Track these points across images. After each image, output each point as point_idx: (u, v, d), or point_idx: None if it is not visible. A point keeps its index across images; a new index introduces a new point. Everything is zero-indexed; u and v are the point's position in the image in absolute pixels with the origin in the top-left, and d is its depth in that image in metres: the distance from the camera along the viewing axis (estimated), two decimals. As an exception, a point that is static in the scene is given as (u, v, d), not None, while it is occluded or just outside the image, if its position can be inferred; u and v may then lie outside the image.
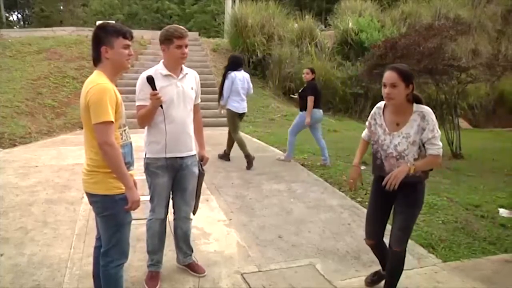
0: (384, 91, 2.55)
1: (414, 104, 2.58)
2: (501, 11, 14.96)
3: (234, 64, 6.43)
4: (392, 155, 2.62)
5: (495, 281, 3.24)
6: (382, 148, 2.68)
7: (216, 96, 11.05)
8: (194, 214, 3.19)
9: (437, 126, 2.54)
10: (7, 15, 31.59)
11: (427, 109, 2.56)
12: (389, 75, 2.53)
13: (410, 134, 2.55)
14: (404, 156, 2.58)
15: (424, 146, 2.57)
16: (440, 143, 2.55)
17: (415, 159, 2.57)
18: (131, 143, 2.46)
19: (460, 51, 9.49)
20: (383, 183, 2.55)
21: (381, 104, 2.75)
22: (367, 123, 2.86)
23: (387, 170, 2.65)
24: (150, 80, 2.69)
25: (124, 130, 2.39)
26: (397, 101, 2.54)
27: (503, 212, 4.59)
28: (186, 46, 2.85)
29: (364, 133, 2.93)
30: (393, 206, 2.80)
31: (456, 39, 8.16)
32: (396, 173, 2.52)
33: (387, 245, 2.85)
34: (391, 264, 2.83)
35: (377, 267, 3.32)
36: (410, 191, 2.65)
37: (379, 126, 2.71)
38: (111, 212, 2.32)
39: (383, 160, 2.69)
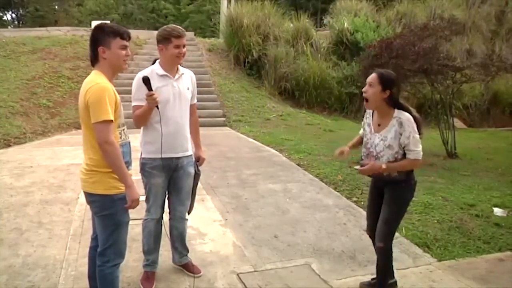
0: (363, 89, 2.74)
1: (396, 110, 2.70)
2: (494, 12, 15.03)
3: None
4: (372, 154, 2.77)
5: (489, 280, 3.26)
6: (366, 146, 2.84)
7: (211, 96, 11.11)
8: (189, 214, 3.18)
9: (414, 133, 2.63)
10: (1, 14, 31.47)
11: (406, 116, 2.66)
12: (370, 76, 2.72)
13: (387, 138, 2.68)
14: (380, 157, 2.71)
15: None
16: (419, 148, 2.64)
17: (389, 162, 2.68)
18: (129, 143, 2.47)
19: (455, 51, 9.54)
20: (359, 167, 2.74)
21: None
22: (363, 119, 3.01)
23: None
24: (146, 80, 2.69)
25: (123, 130, 2.41)
26: (372, 103, 2.71)
27: (497, 211, 4.62)
28: (184, 46, 2.86)
29: (361, 131, 3.06)
30: None
31: (451, 39, 8.20)
32: (370, 165, 2.67)
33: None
34: (378, 260, 2.90)
35: (372, 266, 3.33)
36: (396, 188, 2.77)
37: (367, 124, 2.87)
38: (110, 212, 2.33)
39: (364, 156, 2.86)
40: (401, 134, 2.63)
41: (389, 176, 2.73)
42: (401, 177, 2.74)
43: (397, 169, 2.69)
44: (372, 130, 2.80)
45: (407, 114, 2.68)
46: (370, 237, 3.08)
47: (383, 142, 2.69)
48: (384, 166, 2.64)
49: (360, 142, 3.03)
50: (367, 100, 2.72)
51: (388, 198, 2.81)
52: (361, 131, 3.05)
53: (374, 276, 3.13)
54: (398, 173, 2.73)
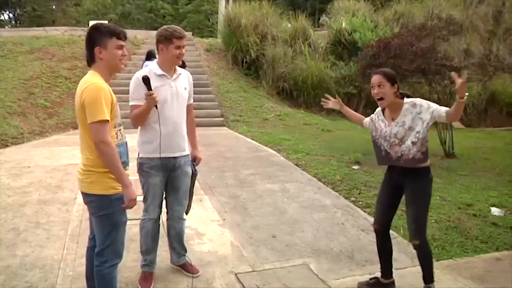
0: (374, 92, 2.87)
1: (405, 98, 2.87)
2: (492, 12, 15.05)
3: (148, 56, 8.15)
4: (395, 143, 2.88)
5: (486, 280, 3.26)
6: (385, 139, 2.94)
7: (209, 96, 11.10)
8: (186, 214, 3.19)
9: (430, 102, 2.79)
10: (-2, 14, 31.35)
11: (416, 99, 2.86)
12: (375, 78, 2.88)
13: (405, 122, 2.82)
14: (404, 141, 2.82)
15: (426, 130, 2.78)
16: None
17: (413, 142, 2.78)
18: (126, 143, 2.46)
19: (452, 51, 9.52)
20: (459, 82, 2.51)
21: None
22: (372, 115, 3.13)
23: (394, 157, 2.89)
24: (146, 80, 2.68)
25: (119, 130, 2.40)
26: (387, 100, 2.85)
27: (495, 210, 4.63)
28: (183, 47, 2.86)
29: (366, 119, 3.20)
30: (402, 198, 2.99)
31: (448, 39, 8.19)
32: (463, 84, 2.48)
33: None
34: (418, 256, 2.93)
35: (370, 266, 3.35)
36: (415, 182, 2.85)
37: (381, 121, 3.00)
38: (107, 212, 2.32)
39: (388, 149, 2.93)
40: (419, 113, 2.76)
41: (413, 159, 2.78)
42: (422, 162, 2.79)
43: (461, 106, 2.54)
44: (387, 123, 2.93)
45: (416, 98, 2.87)
46: (376, 231, 3.08)
47: (402, 128, 2.83)
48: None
49: (355, 118, 3.30)
50: (382, 99, 2.84)
51: (412, 194, 2.86)
52: (366, 120, 3.18)
53: (372, 276, 3.14)
54: (422, 154, 2.78)
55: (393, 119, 2.89)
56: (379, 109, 3.03)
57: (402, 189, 2.93)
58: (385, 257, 3.07)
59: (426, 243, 2.90)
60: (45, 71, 10.78)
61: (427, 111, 2.74)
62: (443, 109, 2.70)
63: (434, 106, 2.76)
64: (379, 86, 2.83)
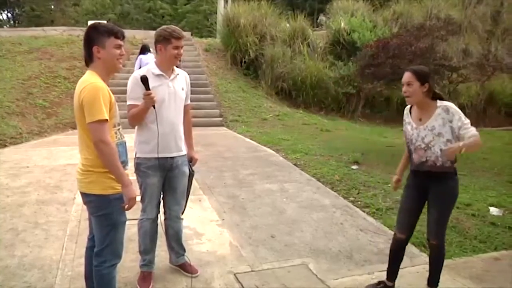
0: (403, 89, 2.80)
1: (438, 101, 2.76)
2: (490, 12, 15.08)
3: (143, 50, 8.81)
4: (420, 147, 2.79)
5: (485, 279, 3.27)
6: (412, 142, 2.85)
7: (208, 96, 11.10)
8: (181, 214, 3.18)
9: (463, 116, 2.68)
10: (-3, 14, 31.31)
11: (450, 104, 2.74)
12: (405, 75, 2.79)
13: (435, 127, 2.72)
14: (430, 147, 2.73)
15: (457, 138, 2.68)
16: (473, 127, 2.65)
17: (441, 150, 2.68)
18: (125, 142, 2.45)
19: (451, 51, 9.56)
20: (446, 152, 2.59)
21: (408, 106, 2.96)
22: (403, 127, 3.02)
23: (416, 161, 2.82)
24: (144, 79, 2.68)
25: (118, 129, 2.39)
26: (414, 98, 2.75)
27: (493, 210, 4.64)
28: (182, 47, 2.86)
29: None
30: (426, 200, 2.91)
31: (447, 39, 8.23)
32: (452, 149, 2.55)
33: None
34: (431, 257, 2.93)
35: (369, 266, 3.36)
36: (442, 183, 2.78)
37: (408, 124, 2.91)
38: (106, 212, 2.32)
39: (413, 152, 2.84)
40: (450, 121, 2.67)
41: (441, 167, 2.71)
42: (450, 169, 2.74)
43: (471, 146, 2.56)
44: (414, 125, 2.84)
45: (449, 102, 2.76)
46: (398, 241, 2.99)
47: (431, 132, 2.73)
48: (461, 144, 2.53)
49: (406, 161, 3.04)
50: (409, 96, 2.76)
51: (438, 196, 2.80)
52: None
53: (382, 279, 3.08)
54: (452, 162, 2.72)
55: (420, 120, 2.80)
56: (406, 111, 2.94)
57: (426, 193, 2.85)
58: (397, 261, 3.03)
59: (444, 245, 2.88)
60: (43, 71, 10.77)
61: (458, 121, 2.64)
62: (470, 133, 2.57)
63: (466, 122, 2.64)
64: (408, 84, 2.75)
